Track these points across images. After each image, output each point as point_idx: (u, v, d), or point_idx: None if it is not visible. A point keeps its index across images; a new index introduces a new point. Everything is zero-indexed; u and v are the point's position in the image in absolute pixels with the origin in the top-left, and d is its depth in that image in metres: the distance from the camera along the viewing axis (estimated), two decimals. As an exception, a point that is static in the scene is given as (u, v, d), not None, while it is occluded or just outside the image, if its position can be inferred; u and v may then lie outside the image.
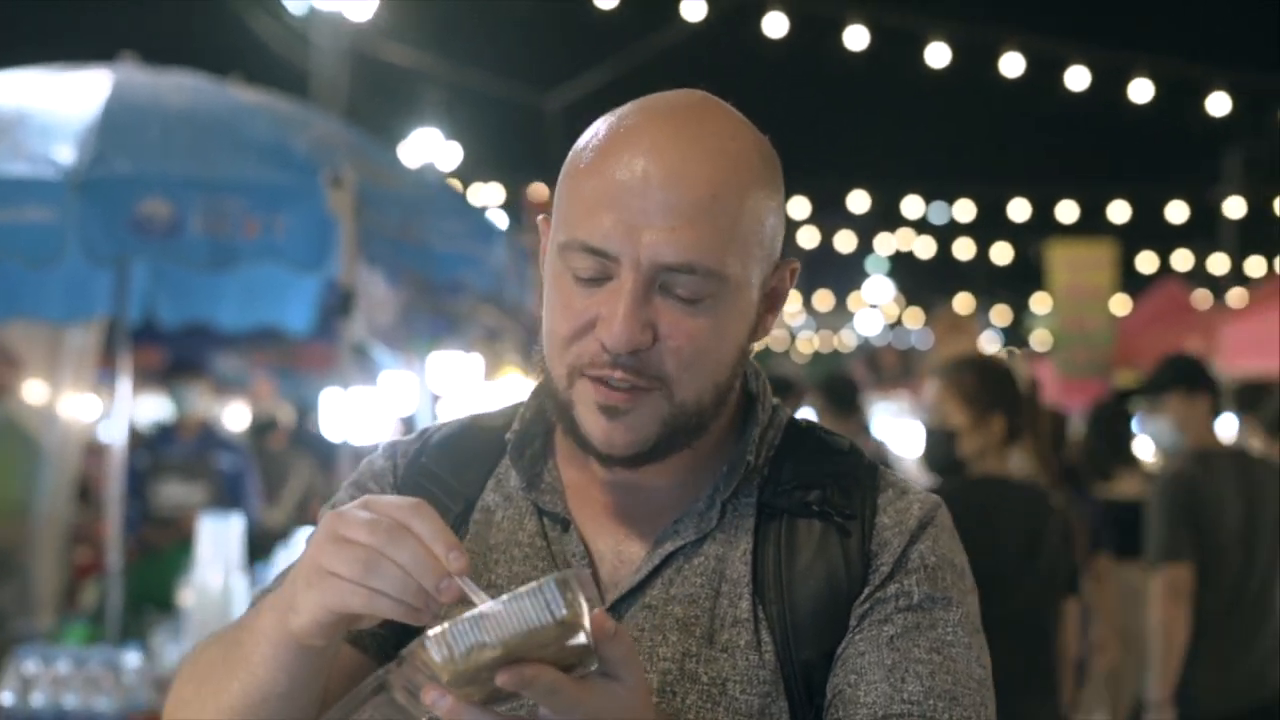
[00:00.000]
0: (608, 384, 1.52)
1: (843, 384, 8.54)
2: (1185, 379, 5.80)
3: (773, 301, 1.64)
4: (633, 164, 1.52)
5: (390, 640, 1.62)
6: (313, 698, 1.49)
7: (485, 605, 1.25)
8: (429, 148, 19.94)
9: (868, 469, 1.67)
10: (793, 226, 26.56)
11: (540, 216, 1.65)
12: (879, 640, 1.56)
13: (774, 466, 1.65)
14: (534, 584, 1.25)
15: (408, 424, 9.69)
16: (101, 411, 9.64)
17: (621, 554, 1.63)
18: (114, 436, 6.60)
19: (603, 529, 1.64)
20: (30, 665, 4.97)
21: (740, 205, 1.54)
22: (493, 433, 1.73)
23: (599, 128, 1.59)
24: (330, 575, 1.35)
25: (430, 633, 1.25)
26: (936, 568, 1.61)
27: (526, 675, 1.25)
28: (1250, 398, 7.55)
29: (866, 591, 1.58)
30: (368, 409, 6.89)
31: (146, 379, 9.12)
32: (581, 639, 1.27)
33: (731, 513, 1.63)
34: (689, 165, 1.52)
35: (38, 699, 4.89)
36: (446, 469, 1.72)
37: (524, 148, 25.45)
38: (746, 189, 1.55)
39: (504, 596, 1.25)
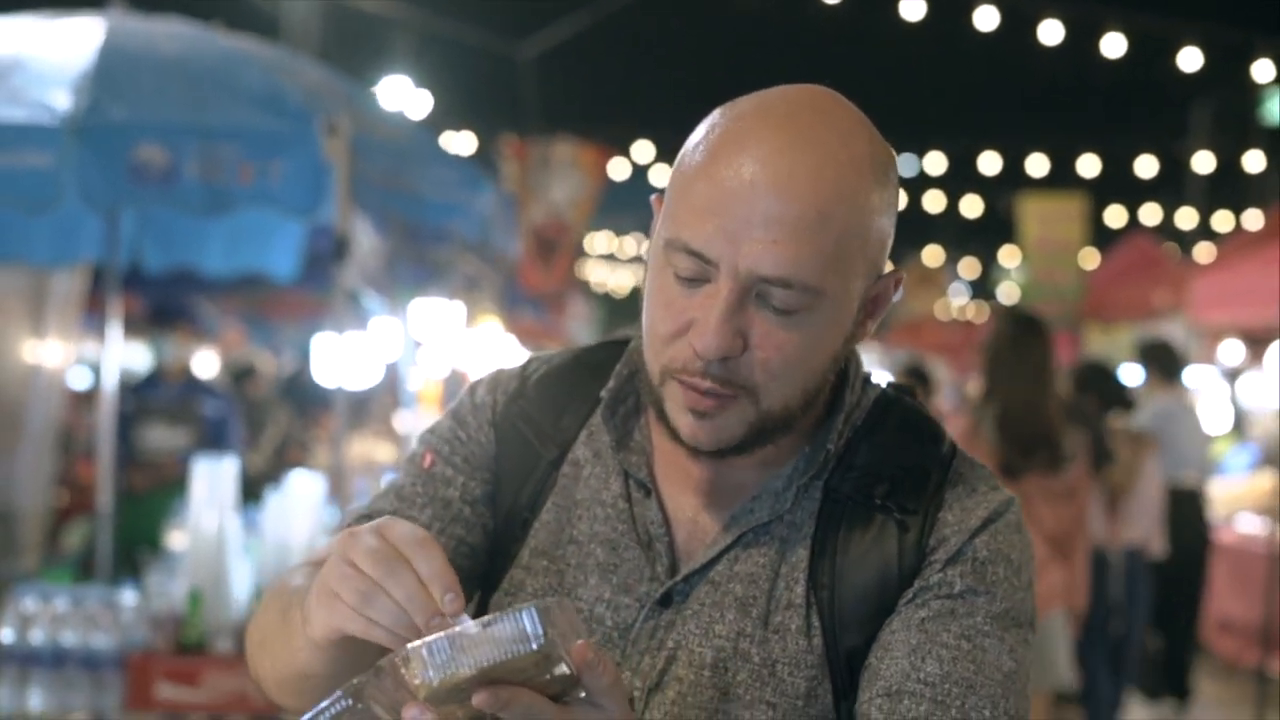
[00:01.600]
0: (696, 389, 1.54)
1: None
2: None
3: (873, 309, 1.63)
4: (741, 170, 1.51)
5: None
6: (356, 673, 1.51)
7: (462, 626, 1.25)
8: (399, 95, 19.86)
9: (942, 460, 1.66)
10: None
11: (654, 196, 1.65)
12: (910, 621, 1.57)
13: (849, 449, 1.65)
14: (513, 611, 1.26)
15: (392, 370, 9.77)
16: (84, 357, 9.67)
17: (697, 524, 1.65)
18: (105, 381, 6.65)
19: (683, 498, 1.67)
20: (28, 603, 5.02)
21: (845, 221, 1.53)
22: (593, 376, 1.75)
23: (715, 122, 1.57)
24: (335, 598, 1.39)
25: (409, 647, 1.27)
26: (987, 561, 1.60)
27: (502, 697, 1.26)
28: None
29: (916, 584, 1.59)
30: (360, 354, 6.95)
31: (128, 325, 9.15)
32: (563, 669, 1.27)
33: (802, 495, 1.64)
34: (796, 178, 1.50)
35: (36, 636, 4.95)
36: (545, 413, 1.74)
37: (496, 96, 25.36)
38: (854, 202, 1.53)
39: (484, 619, 1.25)
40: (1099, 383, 8.05)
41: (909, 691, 1.53)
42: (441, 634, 1.25)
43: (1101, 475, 7.08)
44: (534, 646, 1.25)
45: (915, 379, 9.28)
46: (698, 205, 1.52)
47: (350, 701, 1.30)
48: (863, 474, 1.63)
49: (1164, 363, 9.20)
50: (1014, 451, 5.76)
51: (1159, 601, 8.35)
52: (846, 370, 1.67)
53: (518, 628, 1.24)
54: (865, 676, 1.57)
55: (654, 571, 1.63)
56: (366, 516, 1.68)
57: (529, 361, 1.81)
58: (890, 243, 1.61)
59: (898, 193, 1.62)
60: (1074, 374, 8.12)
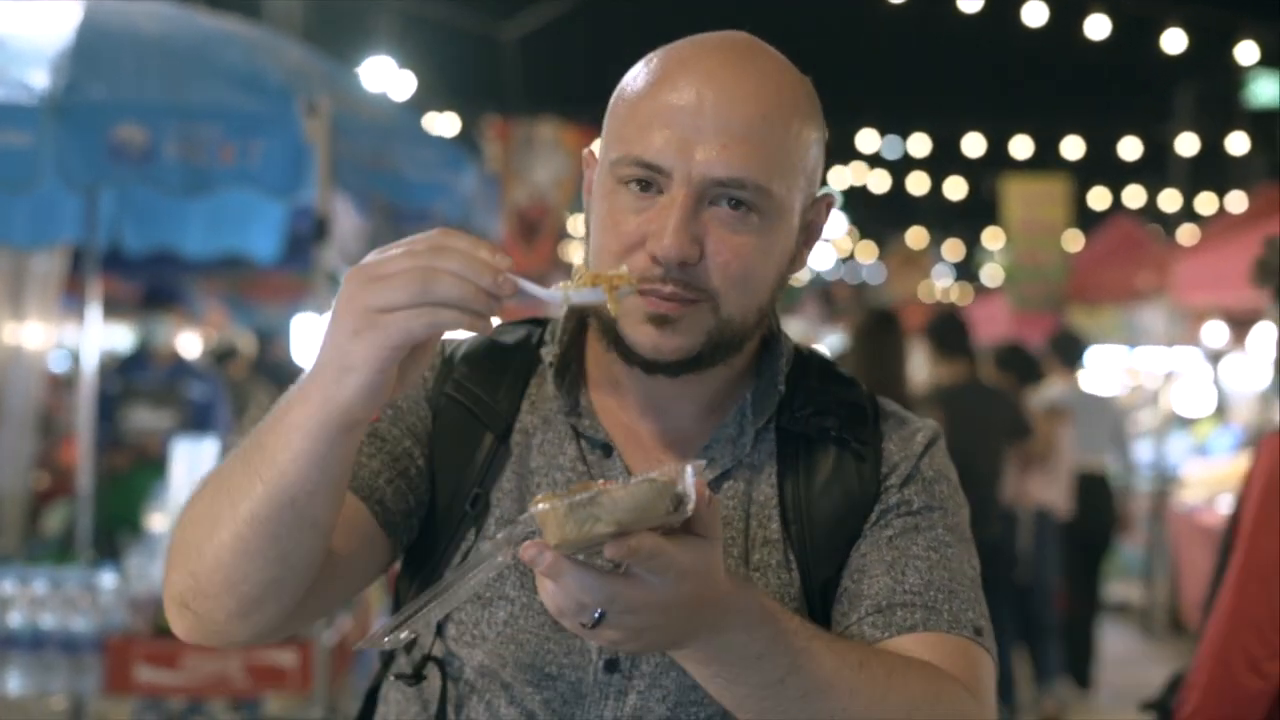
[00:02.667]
0: (658, 295, 1.57)
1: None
2: None
3: (810, 234, 1.71)
4: (686, 88, 1.59)
5: (392, 502, 1.66)
6: (335, 503, 1.49)
7: (605, 488, 1.29)
8: (382, 76, 19.79)
9: (869, 397, 1.77)
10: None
11: (586, 150, 1.71)
12: (879, 541, 1.67)
13: (788, 392, 1.74)
14: (660, 475, 1.31)
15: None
16: (64, 338, 9.63)
17: None
18: (85, 362, 6.61)
19: (639, 454, 1.70)
20: (6, 586, 5.00)
21: (787, 130, 1.62)
22: (514, 351, 1.78)
23: (651, 59, 1.65)
24: (383, 313, 1.34)
25: (543, 506, 1.29)
26: (933, 480, 1.73)
27: (632, 546, 1.29)
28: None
29: (877, 510, 1.70)
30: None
31: (108, 307, 9.11)
32: (683, 514, 1.33)
33: (757, 439, 1.71)
34: (741, 88, 1.59)
35: (15, 619, 4.93)
36: (482, 387, 1.75)
37: (480, 77, 25.31)
38: (793, 116, 1.63)
39: (634, 479, 1.31)
40: (1016, 362, 8.99)
41: (900, 603, 1.62)
42: (581, 497, 1.28)
43: (1021, 445, 7.96)
44: (678, 505, 1.31)
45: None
46: (645, 123, 1.59)
47: (495, 550, 1.38)
48: (811, 413, 1.72)
49: (1066, 350, 9.74)
50: None
51: (1066, 564, 9.01)
52: (772, 323, 1.75)
53: (665, 490, 1.30)
54: (845, 602, 1.64)
55: None
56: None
57: (442, 343, 1.80)
58: (821, 169, 1.71)
59: (824, 126, 1.70)
60: (995, 354, 9.03)
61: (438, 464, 1.72)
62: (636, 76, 1.65)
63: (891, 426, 1.76)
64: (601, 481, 1.33)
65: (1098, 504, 9.33)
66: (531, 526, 1.32)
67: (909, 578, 1.64)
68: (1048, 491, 8.61)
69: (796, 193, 1.64)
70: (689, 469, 1.33)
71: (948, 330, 7.99)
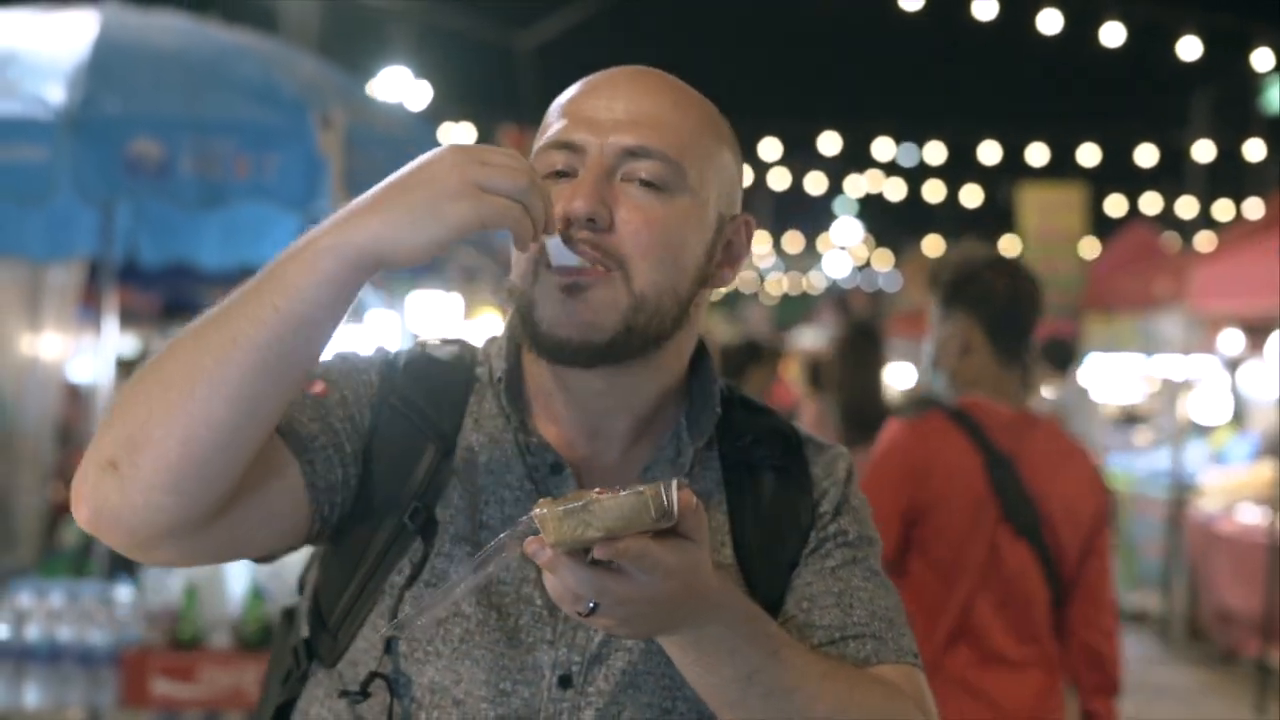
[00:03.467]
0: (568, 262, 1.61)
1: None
2: None
3: (730, 253, 1.74)
4: (598, 89, 1.69)
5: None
6: (318, 352, 1.51)
7: (597, 497, 1.41)
8: (399, 86, 19.85)
9: (791, 427, 1.83)
10: (763, 168, 26.52)
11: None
12: (823, 571, 1.74)
13: (724, 426, 1.78)
14: (646, 490, 1.42)
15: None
16: (81, 350, 9.66)
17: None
18: (100, 374, 6.63)
19: (594, 477, 1.71)
20: (24, 598, 5.02)
21: (700, 123, 1.69)
22: (452, 368, 1.78)
23: (568, 89, 1.73)
24: (486, 193, 1.47)
25: (542, 511, 1.42)
26: (860, 509, 1.81)
27: (620, 548, 1.40)
28: None
29: (814, 535, 1.77)
30: (355, 346, 6.92)
31: (125, 320, 9.14)
32: (668, 521, 1.44)
33: (699, 464, 1.76)
34: (650, 87, 1.69)
35: (32, 632, 4.95)
36: (424, 399, 1.75)
37: (495, 87, 25.37)
38: (705, 120, 1.71)
39: (624, 493, 1.42)
40: (1054, 353, 10.02)
41: (851, 635, 1.70)
42: (576, 505, 1.40)
43: None
44: (662, 516, 1.42)
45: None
46: (561, 117, 1.67)
47: (493, 551, 1.48)
48: (750, 441, 1.78)
49: (1057, 356, 10.72)
50: (854, 430, 6.43)
51: None
52: (702, 353, 1.79)
53: (649, 504, 1.41)
54: (794, 630, 1.69)
55: None
56: None
57: (389, 352, 1.82)
58: (739, 192, 1.75)
59: (739, 152, 1.76)
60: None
61: (373, 464, 1.71)
62: (553, 103, 1.72)
63: (813, 452, 1.82)
64: (596, 491, 1.42)
65: None
66: (533, 526, 1.43)
67: (856, 610, 1.71)
68: None
69: (710, 187, 1.68)
70: (674, 482, 1.44)
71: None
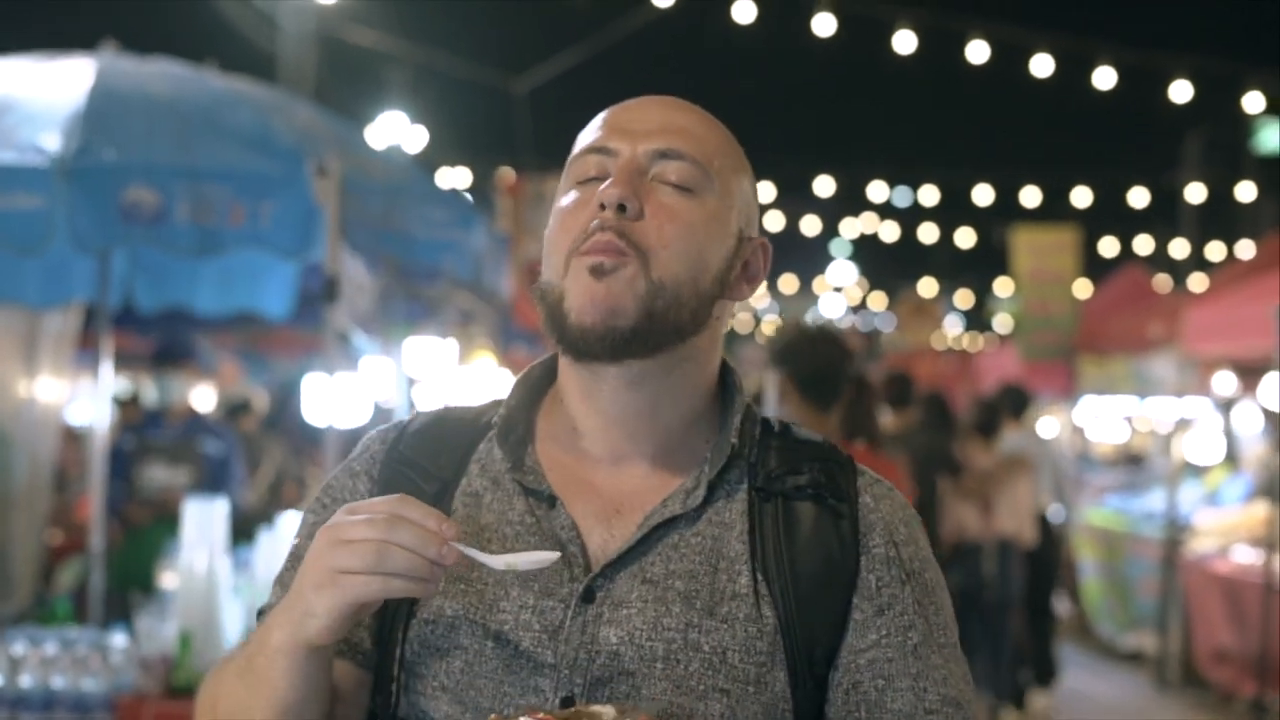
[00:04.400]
0: (597, 242, 1.68)
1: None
2: None
3: (748, 272, 1.81)
4: (630, 106, 1.79)
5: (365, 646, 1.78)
6: (324, 697, 1.66)
7: None
8: (395, 131, 19.91)
9: (844, 457, 1.81)
10: (758, 211, 26.43)
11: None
12: (905, 648, 1.72)
13: (760, 454, 1.78)
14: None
15: (385, 408, 9.76)
16: (77, 395, 9.67)
17: (612, 528, 1.74)
18: (97, 419, 6.64)
19: (590, 507, 1.75)
20: (18, 647, 5.02)
21: (726, 144, 1.79)
22: (466, 422, 1.86)
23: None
24: (343, 574, 1.54)
25: None
26: (923, 570, 1.77)
27: None
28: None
29: (873, 577, 1.73)
30: (350, 394, 6.95)
31: (122, 363, 9.15)
32: None
33: (724, 496, 1.75)
34: (682, 106, 1.79)
35: (26, 680, 4.94)
36: (424, 455, 1.83)
37: (491, 131, 25.46)
38: (729, 146, 1.79)
39: (539, 718, 1.45)
40: (1007, 401, 11.06)
41: None
42: None
43: (954, 480, 9.32)
44: None
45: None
46: (595, 127, 1.78)
47: None
48: (785, 472, 1.77)
49: (1016, 404, 11.33)
50: None
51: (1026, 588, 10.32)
52: (731, 381, 1.83)
53: None
54: (863, 709, 1.70)
55: (572, 573, 1.70)
56: (272, 606, 1.77)
57: (403, 420, 1.93)
58: (756, 218, 1.83)
59: (753, 179, 1.84)
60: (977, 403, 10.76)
61: None
62: (586, 127, 1.81)
63: (866, 482, 1.79)
64: (540, 712, 1.48)
65: (1045, 537, 10.66)
66: None
67: (929, 694, 1.71)
68: (1008, 524, 9.84)
69: (734, 199, 1.77)
70: (628, 717, 1.45)
71: (898, 388, 9.67)
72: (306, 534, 1.82)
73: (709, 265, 1.73)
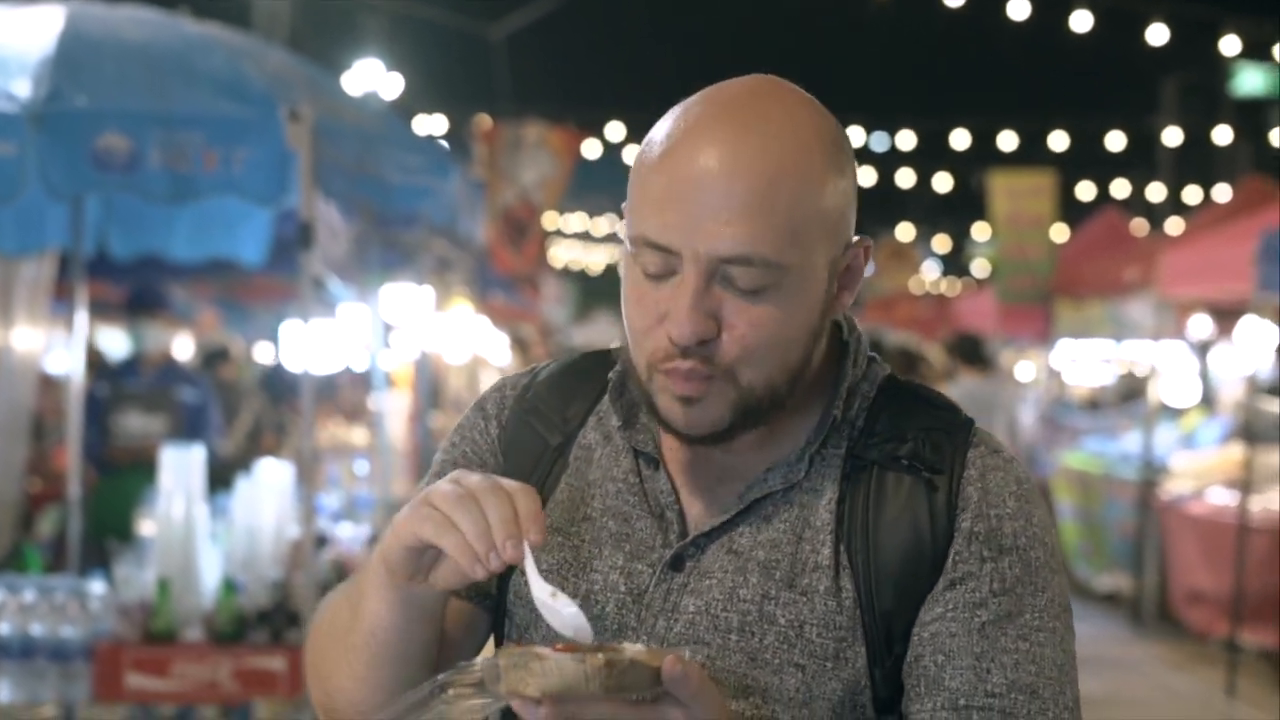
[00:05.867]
0: (679, 373, 1.59)
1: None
2: None
3: (847, 280, 1.68)
4: (692, 161, 1.57)
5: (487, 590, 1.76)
6: (424, 639, 1.63)
7: (539, 658, 1.36)
8: (371, 78, 19.79)
9: (963, 424, 1.70)
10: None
11: (624, 204, 1.69)
12: (971, 625, 1.61)
13: (868, 420, 1.70)
14: (589, 658, 1.35)
15: (363, 354, 9.77)
16: (53, 344, 9.64)
17: (714, 496, 1.69)
18: (72, 368, 6.62)
19: (696, 475, 1.70)
20: (-3, 594, 5.03)
21: (799, 193, 1.58)
22: (597, 369, 1.81)
23: (667, 120, 1.63)
24: (429, 506, 1.50)
25: (486, 660, 1.40)
26: (1028, 547, 1.64)
27: (567, 710, 1.37)
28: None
29: (953, 551, 1.63)
30: (327, 341, 6.95)
31: (97, 312, 9.12)
32: (622, 695, 1.36)
33: (819, 463, 1.67)
34: (742, 159, 1.57)
35: (4, 627, 4.95)
36: (551, 406, 1.80)
37: (468, 78, 25.31)
38: (806, 176, 1.59)
39: (556, 656, 1.36)
40: (962, 347, 11.37)
41: (977, 706, 1.58)
42: (517, 652, 1.36)
43: None
44: (600, 689, 1.34)
45: (906, 361, 11.35)
46: (655, 198, 1.59)
47: (436, 690, 1.42)
48: (885, 440, 1.67)
49: (968, 351, 11.54)
50: None
51: None
52: (848, 344, 1.73)
53: (584, 673, 1.34)
54: (921, 683, 1.61)
55: (666, 539, 1.67)
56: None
57: (535, 366, 1.89)
58: (853, 214, 1.67)
59: (853, 166, 1.67)
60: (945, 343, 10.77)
61: (511, 475, 1.72)
62: (654, 140, 1.64)
63: (979, 454, 1.67)
64: (559, 645, 1.40)
65: None
66: (486, 668, 1.40)
67: (993, 676, 1.60)
68: None
69: (818, 250, 1.61)
70: (652, 650, 1.39)
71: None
72: (436, 471, 1.80)
73: (796, 345, 1.62)
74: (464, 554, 1.47)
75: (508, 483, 1.50)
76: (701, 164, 1.56)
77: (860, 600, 1.61)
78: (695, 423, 1.61)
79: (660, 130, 1.63)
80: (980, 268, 32.51)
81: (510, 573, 1.72)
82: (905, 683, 1.62)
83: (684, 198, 1.56)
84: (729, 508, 1.66)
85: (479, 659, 1.41)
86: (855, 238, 1.68)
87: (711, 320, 1.57)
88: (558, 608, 1.47)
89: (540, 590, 1.48)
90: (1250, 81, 20.52)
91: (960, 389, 10.71)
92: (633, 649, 1.37)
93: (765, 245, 1.56)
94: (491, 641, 1.75)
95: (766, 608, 1.61)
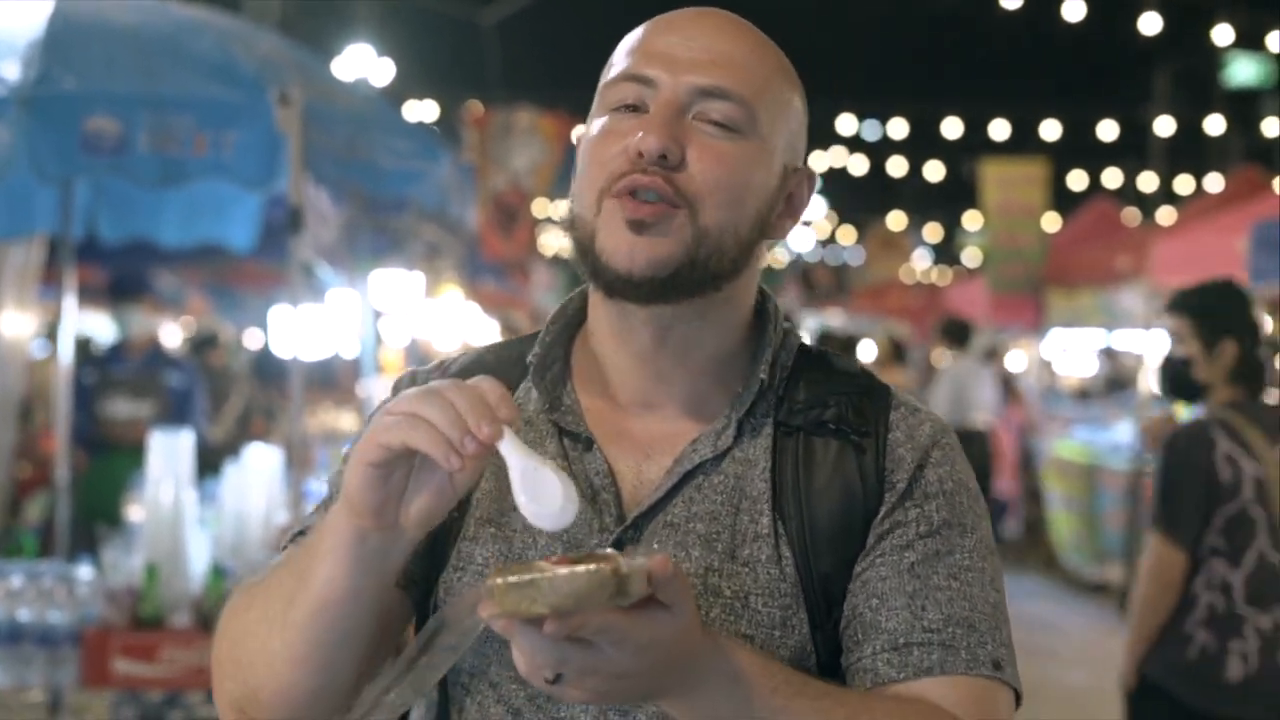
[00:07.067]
0: (635, 196, 1.59)
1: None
2: None
3: (791, 205, 1.72)
4: (673, 25, 1.67)
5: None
6: (374, 612, 1.57)
7: (545, 575, 1.31)
8: (362, 63, 19.74)
9: (880, 388, 1.72)
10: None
11: (577, 130, 1.74)
12: (900, 566, 1.62)
13: (789, 387, 1.71)
14: (603, 565, 1.32)
15: (352, 340, 9.75)
16: (42, 329, 9.61)
17: (642, 474, 1.68)
18: (61, 352, 6.59)
19: (623, 451, 1.69)
20: (-17, 579, 5.00)
21: (774, 68, 1.67)
22: (507, 360, 1.79)
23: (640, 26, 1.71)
24: (389, 416, 1.44)
25: (489, 584, 1.33)
26: (954, 492, 1.67)
27: (574, 624, 1.32)
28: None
29: (884, 509, 1.64)
30: (316, 326, 6.92)
31: (86, 296, 9.10)
32: (627, 598, 1.34)
33: (749, 432, 1.68)
34: (727, 28, 1.67)
35: (-8, 612, 4.93)
36: None
37: (459, 63, 25.26)
38: (781, 65, 1.69)
39: (564, 571, 1.31)
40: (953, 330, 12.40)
41: (917, 642, 1.59)
42: (520, 579, 1.31)
43: None
44: (613, 591, 1.32)
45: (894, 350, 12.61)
46: (634, 50, 1.66)
47: (439, 628, 1.42)
48: (809, 406, 1.68)
49: (955, 334, 12.65)
50: None
51: None
52: (767, 309, 1.74)
53: (603, 582, 1.31)
54: (858, 630, 1.61)
55: (603, 522, 1.65)
56: (301, 533, 1.72)
57: (444, 359, 1.87)
58: (804, 144, 1.73)
59: (805, 101, 1.74)
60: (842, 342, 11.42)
61: None
62: (626, 39, 1.70)
63: (901, 416, 1.70)
64: (551, 558, 1.36)
65: (979, 452, 11.87)
66: (482, 597, 1.36)
67: (929, 612, 1.61)
68: None
69: (779, 135, 1.67)
70: (643, 552, 1.36)
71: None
72: (342, 465, 1.76)
73: (751, 210, 1.64)
74: (437, 445, 1.41)
75: (431, 384, 1.46)
76: (683, 29, 1.65)
77: (799, 566, 1.62)
78: (640, 256, 1.59)
79: (634, 32, 1.70)
80: (971, 257, 32.52)
81: (443, 566, 1.70)
82: (843, 637, 1.63)
83: (666, 42, 1.64)
84: (661, 484, 1.65)
85: (478, 587, 1.36)
86: (804, 167, 1.73)
87: (678, 144, 1.59)
88: (543, 480, 1.43)
89: (524, 464, 1.44)
90: (1243, 71, 20.53)
91: (950, 369, 11.57)
92: (613, 554, 1.35)
93: (743, 85, 1.62)
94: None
95: (711, 580, 1.60)
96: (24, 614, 4.92)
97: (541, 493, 1.43)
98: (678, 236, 1.59)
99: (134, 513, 6.18)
